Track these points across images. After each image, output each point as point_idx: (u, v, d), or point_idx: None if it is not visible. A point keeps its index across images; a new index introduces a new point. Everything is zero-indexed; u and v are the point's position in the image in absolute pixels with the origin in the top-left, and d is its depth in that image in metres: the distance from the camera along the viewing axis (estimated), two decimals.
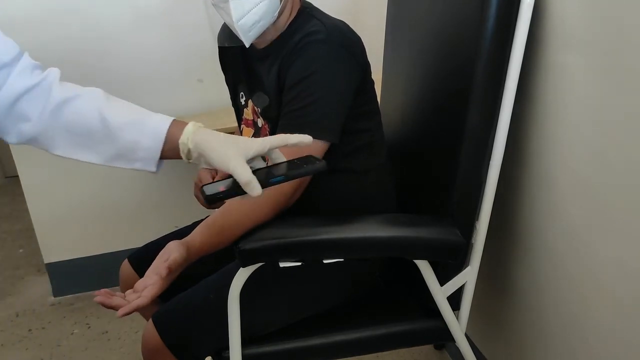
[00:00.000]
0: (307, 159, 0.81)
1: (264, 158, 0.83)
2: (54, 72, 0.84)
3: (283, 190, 0.99)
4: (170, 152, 0.82)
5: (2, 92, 0.80)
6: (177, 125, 0.81)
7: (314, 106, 1.01)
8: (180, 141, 0.80)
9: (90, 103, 0.82)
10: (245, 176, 0.73)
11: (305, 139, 0.79)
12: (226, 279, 0.99)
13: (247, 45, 1.07)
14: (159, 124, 0.81)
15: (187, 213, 1.53)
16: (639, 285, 0.86)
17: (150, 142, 0.81)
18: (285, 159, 0.82)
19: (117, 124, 0.81)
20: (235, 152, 0.76)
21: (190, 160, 0.81)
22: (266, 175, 0.77)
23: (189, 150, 0.80)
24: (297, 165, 0.80)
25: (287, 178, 0.77)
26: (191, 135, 0.79)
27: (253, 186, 0.73)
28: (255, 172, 0.76)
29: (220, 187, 0.78)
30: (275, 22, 1.07)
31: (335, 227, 0.99)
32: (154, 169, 0.83)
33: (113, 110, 0.82)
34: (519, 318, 1.24)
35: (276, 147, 0.79)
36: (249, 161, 0.78)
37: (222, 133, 0.80)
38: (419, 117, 1.23)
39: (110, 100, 0.84)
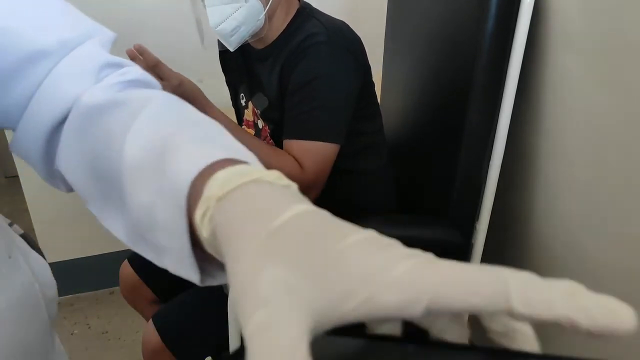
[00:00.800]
0: None
1: None
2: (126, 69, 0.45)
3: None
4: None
5: (37, 106, 0.41)
6: (208, 175, 0.31)
7: (318, 111, 1.01)
8: (195, 216, 0.30)
9: (126, 116, 0.38)
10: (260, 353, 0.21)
11: (623, 316, 0.20)
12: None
13: (232, 50, 1.08)
14: (184, 168, 0.32)
15: None
16: (638, 285, 0.85)
17: (166, 210, 0.33)
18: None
19: (131, 161, 0.36)
20: (284, 286, 0.22)
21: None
22: None
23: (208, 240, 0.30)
24: None
25: None
26: (213, 204, 0.28)
27: None
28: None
29: None
30: (266, 24, 1.07)
31: None
32: (193, 276, 0.33)
33: (143, 131, 0.37)
34: None
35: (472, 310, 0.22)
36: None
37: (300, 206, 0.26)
38: (419, 117, 1.23)
39: (164, 112, 0.38)
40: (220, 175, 0.29)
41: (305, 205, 0.26)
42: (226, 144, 0.35)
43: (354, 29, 1.08)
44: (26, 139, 0.43)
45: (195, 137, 0.35)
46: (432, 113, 1.17)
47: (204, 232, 0.29)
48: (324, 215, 0.26)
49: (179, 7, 1.95)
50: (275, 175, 0.29)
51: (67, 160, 0.42)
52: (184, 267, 0.33)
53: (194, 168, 0.31)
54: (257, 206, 0.26)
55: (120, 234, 0.40)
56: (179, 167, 0.32)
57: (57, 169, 0.43)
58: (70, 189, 0.45)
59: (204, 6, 1.03)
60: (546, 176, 1.05)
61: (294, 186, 0.29)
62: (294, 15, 1.10)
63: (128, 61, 0.46)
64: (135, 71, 0.45)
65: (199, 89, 1.07)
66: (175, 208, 0.32)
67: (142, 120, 0.37)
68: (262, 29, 1.07)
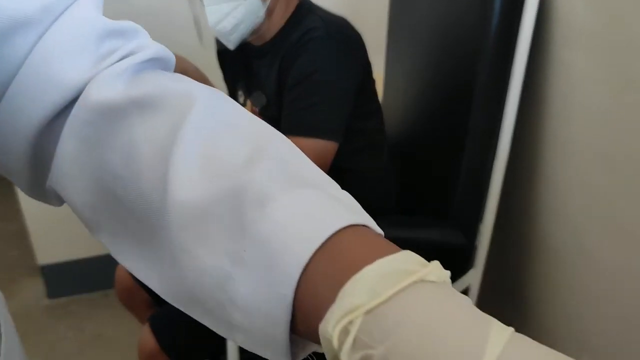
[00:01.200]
0: None
1: None
2: (141, 47, 0.34)
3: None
4: (309, 329, 0.23)
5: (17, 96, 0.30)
6: (330, 258, 0.23)
7: (317, 106, 1.00)
8: (320, 327, 0.22)
9: (159, 127, 0.29)
10: None
11: None
12: None
13: (232, 48, 1.07)
14: (285, 232, 0.23)
15: None
16: None
17: (255, 293, 0.23)
18: None
19: (182, 202, 0.26)
20: None
21: None
22: None
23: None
24: None
25: None
26: (360, 320, 0.20)
27: None
28: None
29: None
30: (266, 21, 1.06)
31: None
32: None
33: (194, 158, 0.27)
34: (524, 322, 1.22)
35: None
36: None
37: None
38: (422, 116, 1.21)
39: (217, 125, 0.29)
40: (368, 274, 0.20)
41: (501, 334, 0.19)
42: (323, 184, 0.25)
43: (354, 25, 1.07)
44: (3, 140, 0.32)
45: (282, 172, 0.25)
46: (434, 111, 1.16)
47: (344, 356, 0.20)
48: (530, 346, 0.19)
49: (176, 4, 1.94)
50: (436, 270, 0.21)
51: (68, 178, 0.31)
52: (269, 353, 0.25)
53: (305, 243, 0.21)
54: (438, 341, 0.19)
55: (151, 282, 0.29)
56: (272, 233, 0.22)
57: (50, 186, 0.33)
58: (63, 203, 0.35)
59: (202, 5, 1.02)
60: (552, 175, 1.04)
61: (448, 279, 0.22)
62: (293, 11, 1.09)
63: (132, 26, 0.35)
64: (148, 46, 0.34)
65: (204, 76, 1.05)
66: (273, 296, 0.22)
67: (187, 138, 0.26)
68: (261, 25, 1.06)
